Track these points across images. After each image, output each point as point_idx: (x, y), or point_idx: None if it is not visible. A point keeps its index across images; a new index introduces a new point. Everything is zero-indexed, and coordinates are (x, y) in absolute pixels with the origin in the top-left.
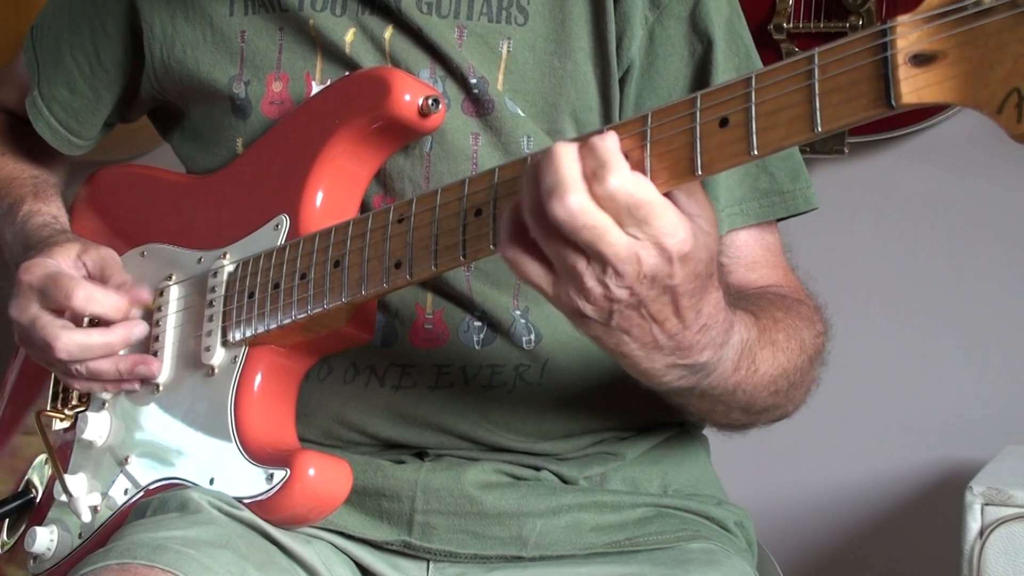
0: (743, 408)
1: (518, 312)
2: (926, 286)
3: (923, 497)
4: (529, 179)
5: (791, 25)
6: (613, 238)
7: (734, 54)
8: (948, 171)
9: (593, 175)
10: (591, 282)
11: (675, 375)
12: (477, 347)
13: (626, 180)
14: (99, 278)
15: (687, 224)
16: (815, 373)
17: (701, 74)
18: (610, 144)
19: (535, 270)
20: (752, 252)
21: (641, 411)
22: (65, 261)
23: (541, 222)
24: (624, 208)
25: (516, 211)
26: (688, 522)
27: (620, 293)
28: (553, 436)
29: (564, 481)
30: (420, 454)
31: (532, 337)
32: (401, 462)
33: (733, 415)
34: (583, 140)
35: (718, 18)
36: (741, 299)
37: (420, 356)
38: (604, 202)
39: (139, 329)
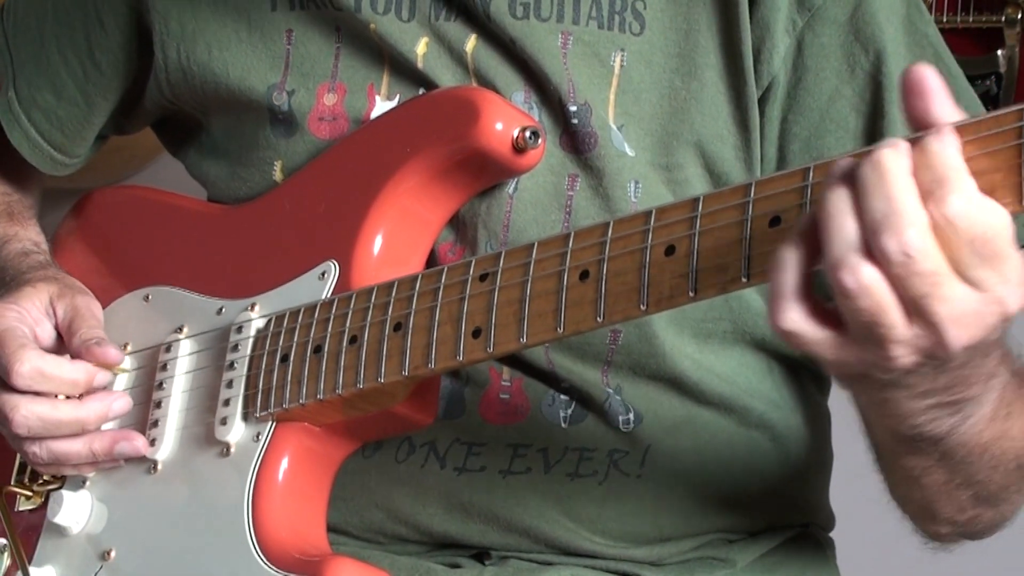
0: (981, 483)
1: (611, 390)
2: None
3: None
4: (836, 202)
5: (933, 19)
6: (948, 291)
7: (918, 59)
8: None
9: (929, 194)
10: (900, 349)
11: (931, 416)
12: (563, 425)
13: (973, 203)
14: (65, 332)
15: None
16: None
17: (874, 93)
18: (951, 153)
19: (817, 335)
20: None
21: (757, 508)
22: (35, 306)
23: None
24: (966, 241)
25: (803, 249)
26: None
27: (932, 362)
28: (649, 539)
29: None
30: (480, 555)
31: (631, 417)
32: (456, 566)
33: (962, 496)
34: (915, 142)
35: (890, 18)
36: None
37: (492, 433)
38: (939, 230)
39: (119, 404)
